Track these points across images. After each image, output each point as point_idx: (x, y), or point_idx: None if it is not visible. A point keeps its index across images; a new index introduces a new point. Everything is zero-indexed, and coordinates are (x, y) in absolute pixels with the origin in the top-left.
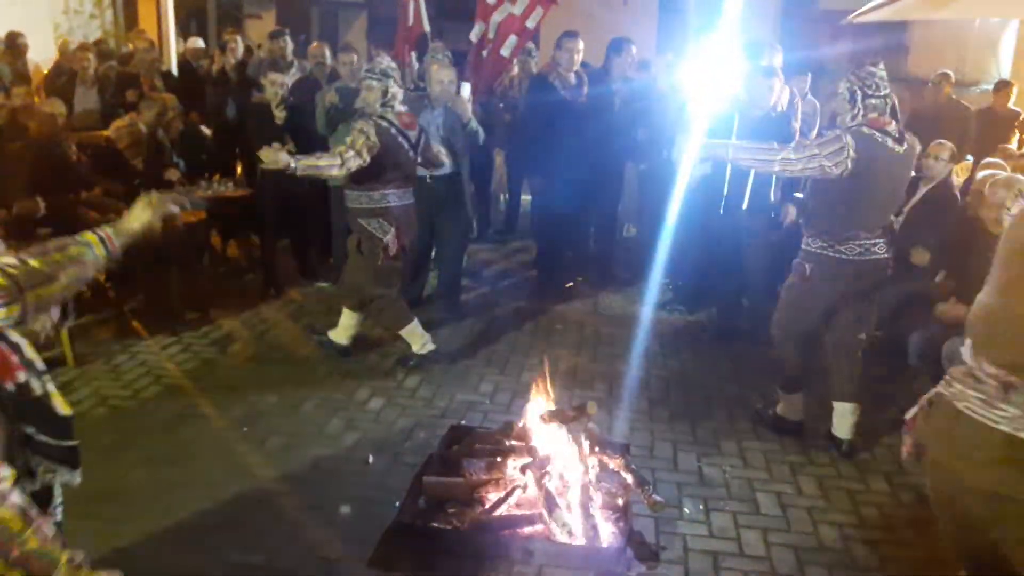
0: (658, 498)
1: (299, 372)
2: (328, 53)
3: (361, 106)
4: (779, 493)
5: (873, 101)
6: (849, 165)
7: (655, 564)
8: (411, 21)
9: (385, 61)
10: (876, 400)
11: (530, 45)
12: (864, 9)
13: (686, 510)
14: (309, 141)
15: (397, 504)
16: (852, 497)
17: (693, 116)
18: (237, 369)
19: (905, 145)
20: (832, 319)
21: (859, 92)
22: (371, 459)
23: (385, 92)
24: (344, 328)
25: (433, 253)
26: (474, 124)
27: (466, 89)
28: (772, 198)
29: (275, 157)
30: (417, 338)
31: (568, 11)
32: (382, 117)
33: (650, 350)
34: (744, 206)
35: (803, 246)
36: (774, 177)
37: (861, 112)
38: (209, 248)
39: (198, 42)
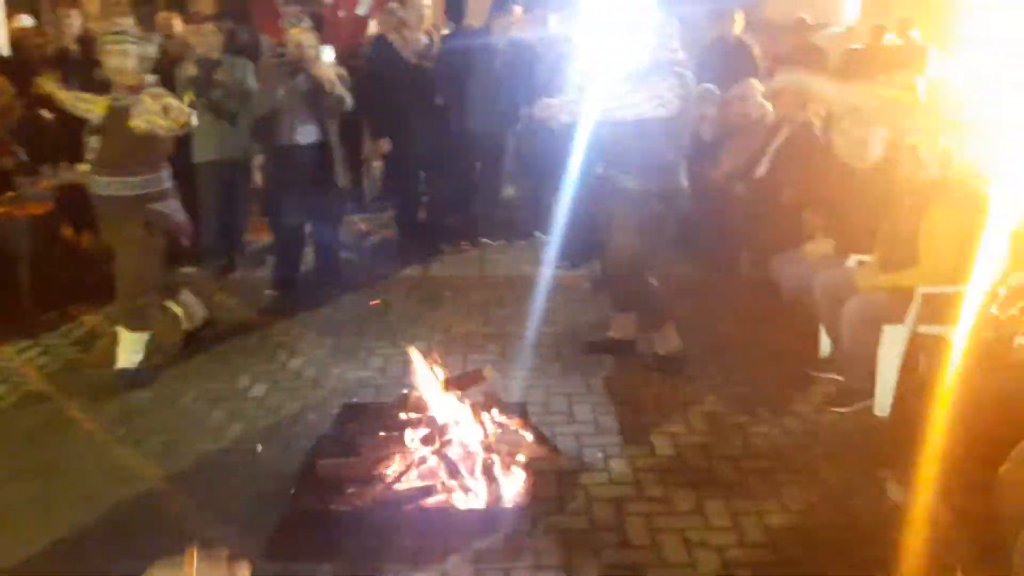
0: (559, 451)
1: (173, 363)
2: (177, 24)
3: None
4: (672, 434)
5: (675, 43)
6: (676, 104)
7: (561, 517)
8: None
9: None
10: (757, 336)
11: (393, 4)
12: None
13: (586, 460)
14: None
15: (293, 492)
16: (742, 430)
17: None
18: (105, 368)
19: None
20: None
21: (647, 38)
22: (260, 448)
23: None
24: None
25: (307, 227)
26: (339, 89)
27: (328, 53)
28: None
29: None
30: (132, 351)
31: None
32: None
33: (539, 308)
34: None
35: (639, 186)
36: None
37: (668, 54)
38: (60, 240)
39: (27, 20)
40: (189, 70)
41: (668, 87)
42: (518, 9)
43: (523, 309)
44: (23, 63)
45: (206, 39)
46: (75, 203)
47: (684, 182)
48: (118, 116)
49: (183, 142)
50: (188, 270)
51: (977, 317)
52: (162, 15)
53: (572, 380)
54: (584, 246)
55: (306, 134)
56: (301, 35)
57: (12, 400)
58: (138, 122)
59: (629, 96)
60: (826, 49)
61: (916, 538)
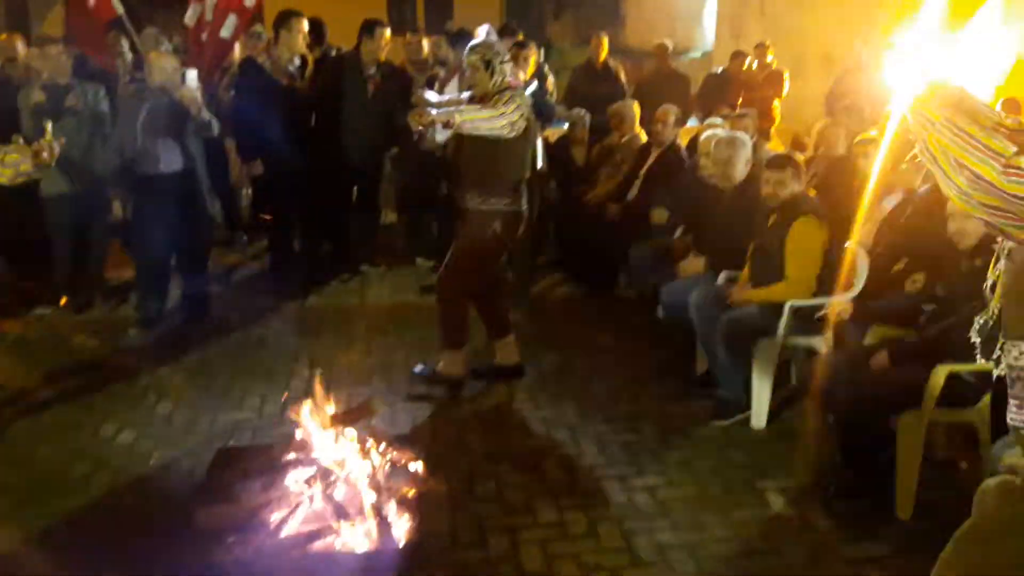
0: (450, 483)
1: (26, 413)
2: (21, 47)
3: None
4: (562, 455)
5: (506, 67)
6: (522, 125)
7: (455, 552)
8: (93, 3)
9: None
10: (638, 354)
11: (259, 27)
12: None
13: (477, 490)
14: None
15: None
16: (628, 448)
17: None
18: None
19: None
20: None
21: (493, 61)
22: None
23: None
24: None
25: (173, 260)
26: (205, 114)
27: (192, 77)
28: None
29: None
30: None
31: None
32: None
33: (421, 335)
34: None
35: (481, 206)
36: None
37: (501, 77)
38: None
39: None
40: (36, 96)
41: (516, 108)
42: (387, 32)
43: (407, 338)
44: None
45: (53, 63)
46: None
47: (525, 205)
48: None
49: None
50: (42, 310)
51: (837, 327)
52: (3, 36)
53: (461, 408)
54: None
55: (170, 162)
56: (161, 59)
57: None
58: None
59: (481, 112)
60: (687, 75)
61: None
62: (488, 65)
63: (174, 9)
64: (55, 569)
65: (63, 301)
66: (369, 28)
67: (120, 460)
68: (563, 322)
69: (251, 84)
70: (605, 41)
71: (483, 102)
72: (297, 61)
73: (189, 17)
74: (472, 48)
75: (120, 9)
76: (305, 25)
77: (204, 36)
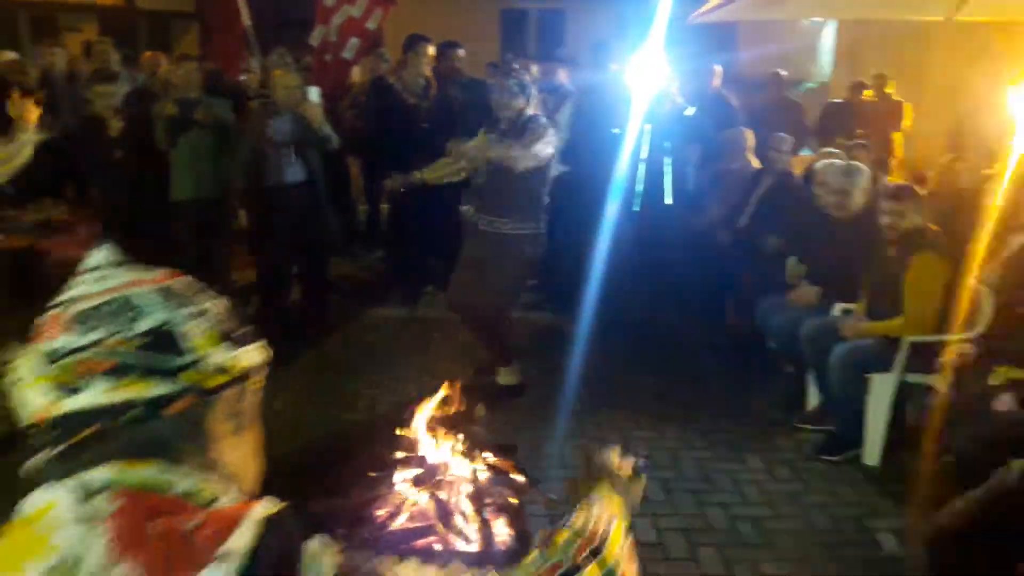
0: (552, 496)
1: None
2: (164, 62)
3: None
4: (664, 479)
5: (537, 94)
6: (549, 153)
7: None
8: (244, 21)
9: None
10: (744, 383)
11: (383, 50)
12: (702, 10)
13: None
14: (146, 155)
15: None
16: (732, 477)
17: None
18: None
19: None
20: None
21: (529, 86)
22: None
23: None
24: None
25: (294, 268)
26: (326, 128)
27: (314, 93)
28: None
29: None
30: None
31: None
32: None
33: (527, 350)
34: (668, 199)
35: (513, 230)
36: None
37: (533, 104)
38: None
39: (10, 55)
40: (169, 108)
41: (546, 142)
42: (431, 48)
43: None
44: (3, 94)
45: (186, 78)
46: (59, 239)
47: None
48: None
49: (161, 179)
50: None
51: (960, 367)
52: (148, 55)
53: (563, 423)
54: (570, 291)
55: (293, 173)
56: (285, 77)
57: None
58: None
59: (511, 151)
60: (803, 104)
61: None
62: (524, 89)
63: (302, 30)
64: None
65: None
66: (413, 43)
67: None
68: (667, 346)
69: (380, 104)
70: (718, 70)
71: (514, 133)
72: (422, 83)
73: (314, 38)
74: (511, 72)
75: (248, 20)
76: (431, 50)
77: (328, 57)
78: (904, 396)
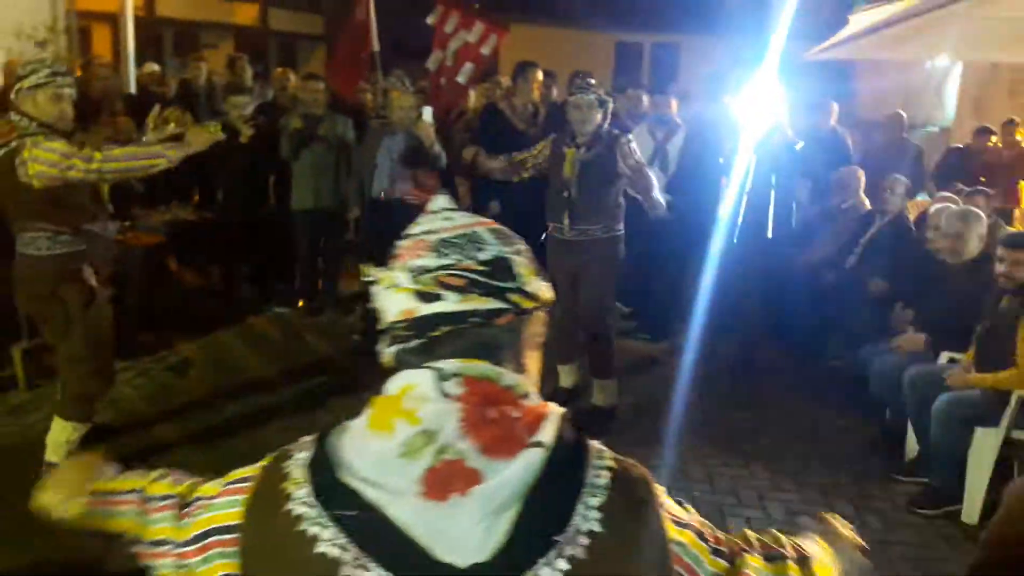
0: None
1: (260, 393)
2: (293, 79)
3: None
4: (748, 518)
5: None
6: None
7: None
8: (372, 46)
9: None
10: (840, 427)
11: (499, 77)
12: (820, 47)
13: None
14: (272, 166)
15: None
16: None
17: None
18: (195, 395)
19: None
20: None
21: (607, 102)
22: None
23: None
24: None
25: None
26: (437, 147)
27: (428, 113)
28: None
29: None
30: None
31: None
32: None
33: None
34: (769, 234)
35: (606, 233)
36: (794, 203)
37: (608, 119)
38: (166, 271)
39: (152, 67)
40: (294, 123)
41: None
42: (539, 73)
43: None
44: (147, 106)
45: (312, 96)
46: (183, 239)
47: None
48: None
49: (283, 189)
50: (280, 310)
51: None
52: (279, 71)
53: (649, 453)
54: (667, 320)
55: (403, 189)
56: (403, 98)
57: (108, 416)
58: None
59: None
60: (923, 148)
61: None
62: (602, 104)
63: (420, 55)
64: None
65: (300, 303)
66: (522, 70)
67: None
68: (764, 382)
69: (491, 129)
70: (835, 107)
71: (595, 147)
72: (531, 109)
73: (431, 62)
74: (588, 88)
75: (376, 46)
76: (540, 75)
77: (443, 80)
78: (1010, 453)
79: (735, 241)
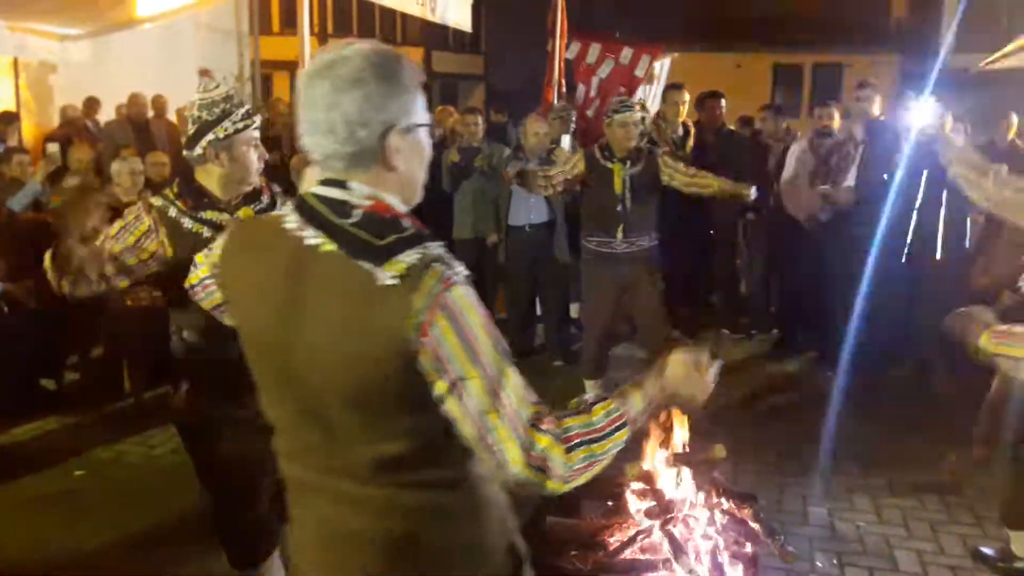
0: (791, 549)
1: None
2: (454, 115)
3: None
4: (919, 551)
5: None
6: None
7: None
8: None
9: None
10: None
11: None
12: (992, 57)
13: (818, 564)
14: (433, 196)
15: None
16: (962, 540)
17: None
18: None
19: None
20: None
21: (647, 121)
22: None
23: None
24: None
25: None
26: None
27: (565, 141)
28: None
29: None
30: None
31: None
32: None
33: (777, 404)
34: (938, 255)
35: (651, 242)
36: (969, 221)
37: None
38: None
39: None
40: (452, 156)
41: None
42: (723, 102)
43: (757, 403)
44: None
45: (469, 128)
46: None
47: None
48: None
49: (445, 219)
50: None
51: None
52: (440, 109)
53: (809, 481)
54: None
55: (539, 214)
56: (535, 124)
57: None
58: None
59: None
60: None
61: None
62: (643, 122)
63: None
64: None
65: None
66: (666, 92)
67: None
68: (938, 411)
69: None
70: (1014, 120)
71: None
72: (680, 131)
73: (578, 95)
74: (631, 107)
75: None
76: (685, 96)
77: (590, 111)
78: None
79: (903, 261)
